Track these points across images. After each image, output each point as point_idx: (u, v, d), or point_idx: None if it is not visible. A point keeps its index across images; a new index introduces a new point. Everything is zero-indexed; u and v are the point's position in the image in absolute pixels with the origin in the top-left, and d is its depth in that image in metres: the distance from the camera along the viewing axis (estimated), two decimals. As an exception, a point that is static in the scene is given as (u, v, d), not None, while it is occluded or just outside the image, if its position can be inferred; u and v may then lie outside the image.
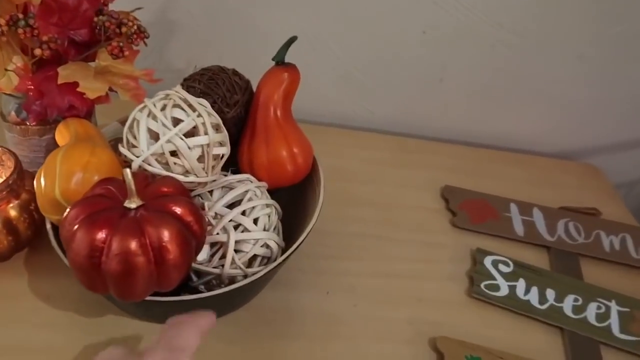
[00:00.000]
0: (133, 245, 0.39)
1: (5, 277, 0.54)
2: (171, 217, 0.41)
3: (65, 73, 0.53)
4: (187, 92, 0.54)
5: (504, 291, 0.62)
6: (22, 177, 0.54)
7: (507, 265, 0.66)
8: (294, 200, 0.60)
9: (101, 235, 0.39)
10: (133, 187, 0.41)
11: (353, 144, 0.86)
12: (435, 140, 0.91)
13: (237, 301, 0.53)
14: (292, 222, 0.57)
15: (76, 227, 0.40)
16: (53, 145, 0.59)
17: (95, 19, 0.55)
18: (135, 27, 0.56)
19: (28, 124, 0.58)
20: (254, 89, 0.58)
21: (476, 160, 0.86)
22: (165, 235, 0.40)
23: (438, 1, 0.78)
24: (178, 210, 0.42)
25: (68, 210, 0.41)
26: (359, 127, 0.92)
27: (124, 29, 0.55)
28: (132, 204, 0.41)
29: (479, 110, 0.90)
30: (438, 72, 0.86)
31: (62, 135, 0.54)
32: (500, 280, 0.63)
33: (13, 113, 0.58)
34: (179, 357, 0.34)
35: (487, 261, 0.66)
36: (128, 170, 0.41)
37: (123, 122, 0.62)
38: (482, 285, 0.62)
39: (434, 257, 0.67)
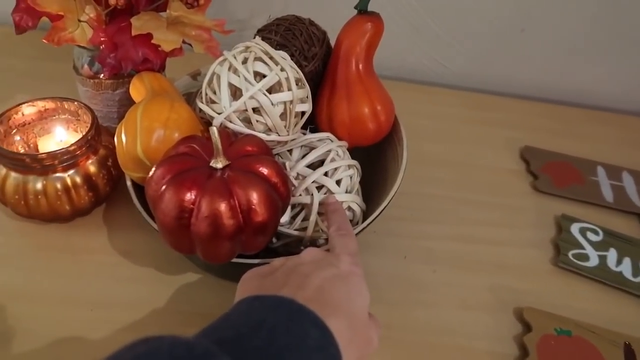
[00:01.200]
0: (222, 207, 0.37)
1: (87, 231, 0.54)
2: (258, 178, 0.40)
3: (139, 24, 0.51)
4: (263, 44, 0.51)
5: (593, 261, 0.58)
6: (99, 132, 0.53)
7: (596, 233, 0.61)
8: (371, 158, 0.57)
9: (190, 196, 0.37)
10: (220, 146, 0.39)
11: (425, 99, 0.81)
12: (514, 96, 0.84)
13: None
14: (368, 182, 0.54)
15: (164, 187, 0.38)
16: (126, 100, 0.58)
17: None
18: None
19: (101, 77, 0.57)
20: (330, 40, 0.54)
21: (559, 118, 0.80)
22: (254, 197, 0.38)
23: (527, -60, 0.70)
24: (264, 170, 0.40)
25: (154, 169, 0.40)
26: (430, 82, 0.86)
27: None
28: (219, 163, 0.40)
29: (564, 64, 0.82)
30: (520, 21, 0.79)
31: (136, 89, 0.53)
32: (589, 250, 0.59)
33: (86, 66, 0.57)
34: (358, 260, 0.39)
35: (574, 228, 0.61)
36: (215, 128, 0.39)
37: (193, 76, 0.60)
38: (569, 255, 0.58)
39: (514, 222, 0.63)
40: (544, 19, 0.78)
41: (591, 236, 0.61)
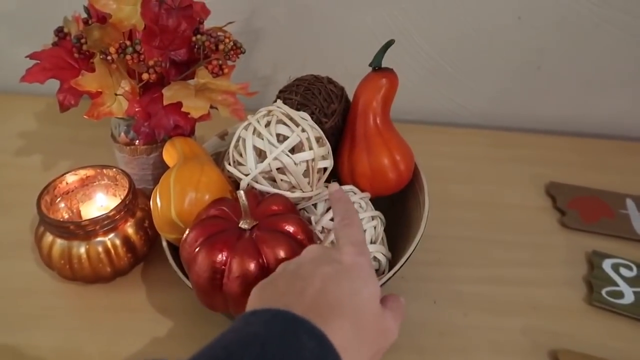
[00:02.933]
0: (252, 266, 0.39)
1: (126, 291, 0.57)
2: (284, 236, 0.42)
3: (169, 94, 0.55)
4: (284, 104, 0.54)
5: (628, 298, 0.57)
6: (135, 196, 0.56)
7: (630, 269, 0.60)
8: (394, 206, 0.58)
9: (221, 257, 0.40)
10: (247, 208, 0.41)
11: (446, 140, 0.82)
12: (535, 132, 0.85)
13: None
14: (393, 230, 0.55)
15: (197, 249, 0.41)
16: (160, 163, 0.62)
17: (194, 38, 0.56)
18: (231, 43, 0.56)
19: (137, 144, 0.61)
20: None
21: (583, 151, 0.80)
22: (281, 254, 0.40)
23: (534, -17, 0.73)
24: (290, 228, 0.42)
25: (187, 232, 0.43)
26: (449, 122, 0.88)
27: (221, 47, 0.56)
28: (247, 224, 0.42)
29: (583, 97, 0.83)
30: (535, 59, 0.80)
31: (169, 153, 0.56)
32: (623, 286, 0.58)
33: (123, 134, 0.61)
34: (364, 249, 0.38)
35: (606, 265, 0.61)
36: (242, 192, 0.41)
37: (221, 137, 0.63)
38: (603, 292, 0.57)
39: (544, 260, 0.63)
40: (558, 55, 0.79)
41: (625, 272, 0.60)
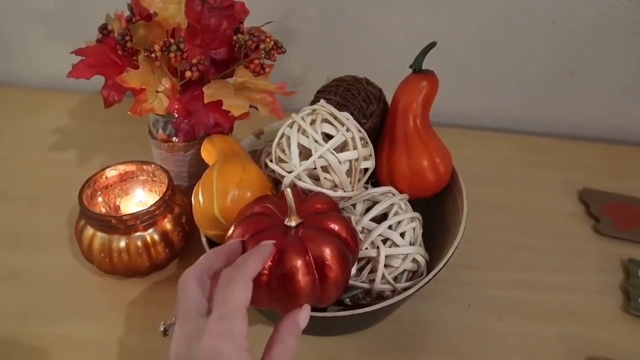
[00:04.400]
0: (299, 264, 0.39)
1: (163, 285, 0.58)
2: (330, 235, 0.42)
3: (210, 92, 0.55)
4: (323, 104, 0.54)
5: (667, 307, 0.56)
6: (174, 192, 0.57)
7: (667, 277, 0.60)
8: (431, 209, 0.58)
9: (268, 254, 0.40)
10: (294, 206, 0.42)
11: (476, 144, 0.82)
12: (566, 137, 0.84)
13: (382, 315, 0.53)
14: (429, 232, 0.55)
15: (244, 244, 0.41)
16: (196, 160, 0.62)
17: (235, 37, 0.57)
18: (272, 43, 0.57)
19: (174, 140, 0.61)
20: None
21: (616, 158, 0.79)
22: (327, 253, 0.40)
23: (572, -12, 0.72)
24: (335, 227, 0.42)
25: (232, 229, 0.43)
26: (479, 126, 0.88)
27: (262, 46, 0.56)
28: (292, 222, 0.42)
29: (616, 104, 0.82)
30: (569, 65, 0.80)
31: (207, 151, 0.57)
32: (661, 295, 0.57)
33: (161, 131, 0.62)
34: (234, 319, 0.33)
35: (643, 273, 0.60)
36: (289, 190, 0.41)
37: (257, 135, 0.64)
38: (640, 300, 0.57)
39: (579, 266, 0.62)
40: (592, 60, 0.79)
41: (662, 281, 0.59)
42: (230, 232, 0.43)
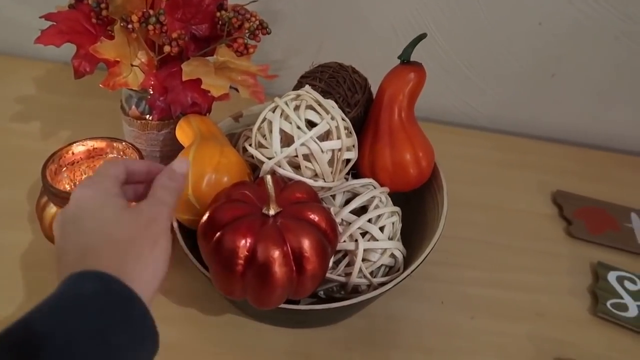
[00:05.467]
0: (277, 254, 0.38)
1: (129, 270, 0.55)
2: (310, 226, 0.40)
3: (189, 69, 0.52)
4: (306, 90, 0.52)
5: (633, 311, 0.57)
6: (145, 172, 0.54)
7: (634, 282, 0.61)
8: (410, 203, 0.57)
9: (244, 243, 0.38)
10: (273, 194, 0.40)
11: (454, 141, 0.82)
12: (544, 139, 0.85)
13: (356, 309, 0.52)
14: (406, 226, 0.54)
15: (218, 234, 0.39)
16: (170, 140, 0.60)
17: (218, 14, 0.54)
18: (257, 22, 0.55)
19: (148, 118, 0.59)
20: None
21: (590, 162, 0.81)
22: (306, 244, 0.39)
23: (559, -10, 0.72)
24: (315, 217, 0.41)
25: (208, 214, 0.41)
26: (460, 123, 0.87)
27: (246, 25, 0.54)
28: (271, 210, 0.41)
29: (595, 108, 0.83)
30: (551, 67, 0.80)
31: (183, 131, 0.54)
32: (627, 299, 0.58)
33: (134, 107, 0.59)
34: (103, 176, 0.36)
35: (611, 277, 0.61)
36: (269, 177, 0.40)
37: (235, 118, 0.61)
38: (608, 304, 0.58)
39: (550, 268, 0.63)
40: (574, 63, 0.79)
41: (629, 285, 0.60)
42: (204, 218, 0.41)
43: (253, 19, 0.54)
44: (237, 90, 0.56)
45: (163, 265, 0.34)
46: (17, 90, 0.78)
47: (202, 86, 0.52)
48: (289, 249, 0.38)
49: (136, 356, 0.30)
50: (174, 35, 0.50)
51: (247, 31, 0.54)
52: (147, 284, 0.32)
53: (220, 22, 0.54)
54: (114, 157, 0.57)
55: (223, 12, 0.54)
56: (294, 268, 0.39)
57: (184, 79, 0.52)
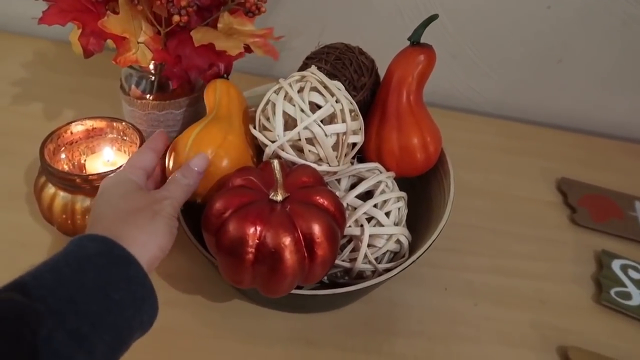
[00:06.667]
0: (288, 241, 0.37)
1: (129, 252, 0.54)
2: (319, 210, 0.39)
3: (199, 36, 0.51)
4: (312, 71, 0.51)
5: (636, 300, 0.57)
6: (146, 153, 0.53)
7: (638, 271, 0.60)
8: (415, 189, 0.57)
9: (253, 230, 0.37)
10: (281, 179, 0.39)
11: (458, 126, 0.81)
12: (548, 126, 0.84)
13: (360, 295, 0.51)
14: (412, 212, 0.53)
15: (225, 221, 0.38)
16: (171, 120, 0.59)
17: None
18: None
19: (148, 98, 0.57)
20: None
21: (594, 150, 0.80)
22: (317, 229, 0.38)
23: (570, -27, 0.70)
24: (324, 202, 0.40)
25: (212, 201, 0.40)
26: (464, 108, 0.86)
27: None
28: (279, 196, 0.40)
29: (600, 95, 0.82)
30: (558, 52, 0.79)
31: (207, 97, 0.52)
32: (631, 288, 0.58)
33: (134, 87, 0.57)
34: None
35: (615, 265, 0.61)
36: (276, 162, 0.39)
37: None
38: (611, 292, 0.57)
39: (554, 255, 0.62)
40: (581, 49, 0.78)
41: (633, 274, 0.60)
42: (209, 205, 0.40)
43: None
44: (250, 51, 0.54)
45: (163, 236, 0.37)
46: (16, 68, 0.76)
47: (217, 48, 0.50)
48: (300, 234, 0.38)
49: (136, 316, 0.33)
50: (183, 3, 0.49)
51: None
52: (143, 249, 0.35)
53: None
54: (114, 138, 0.56)
55: None
56: (306, 254, 0.38)
57: (196, 45, 0.50)
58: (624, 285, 0.58)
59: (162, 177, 0.47)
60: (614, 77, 0.80)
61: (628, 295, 0.57)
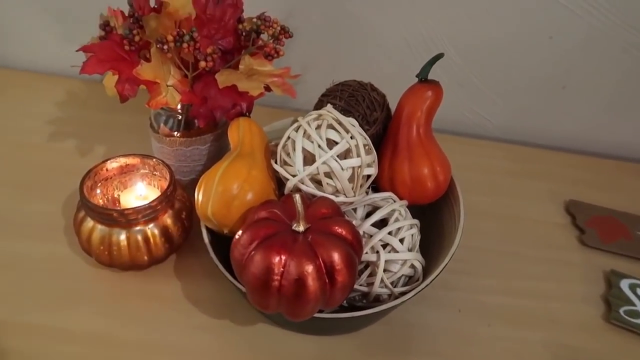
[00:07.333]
0: (310, 269, 0.40)
1: (161, 279, 0.58)
2: (338, 239, 0.43)
3: (223, 78, 0.55)
4: (326, 108, 0.55)
5: (645, 318, 0.59)
6: (175, 188, 0.57)
7: (646, 290, 0.62)
8: (426, 215, 0.60)
9: (278, 259, 0.41)
10: (303, 212, 0.43)
11: (466, 151, 0.84)
12: (554, 149, 0.87)
13: (378, 317, 0.54)
14: (423, 237, 0.56)
15: (252, 252, 0.42)
16: (197, 155, 0.63)
17: (240, 26, 0.57)
18: (279, 27, 0.57)
19: (176, 135, 0.62)
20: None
21: (602, 172, 0.82)
22: (337, 257, 0.41)
23: (569, 4, 0.74)
24: (342, 231, 0.44)
25: (240, 233, 0.44)
26: (472, 134, 0.90)
27: (270, 31, 0.57)
28: (301, 227, 0.43)
29: (604, 118, 0.85)
30: (561, 79, 0.82)
31: (232, 134, 0.57)
32: (640, 307, 0.60)
33: (163, 125, 0.62)
34: None
35: (624, 285, 0.63)
36: (298, 196, 0.42)
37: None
38: (621, 311, 0.59)
39: (564, 276, 0.65)
40: (585, 76, 0.81)
41: (641, 293, 0.62)
42: (237, 236, 0.44)
43: (275, 24, 0.57)
44: (269, 90, 0.58)
45: None
46: (50, 108, 0.82)
47: (239, 89, 0.55)
48: (322, 262, 0.41)
49: None
50: (209, 50, 0.53)
51: (270, 37, 0.57)
52: None
53: (243, 33, 0.57)
54: (145, 173, 0.61)
55: (253, 19, 0.57)
56: (327, 280, 0.41)
57: (220, 87, 0.54)
58: (633, 304, 0.60)
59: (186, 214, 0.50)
60: (617, 100, 0.83)
61: (637, 314, 0.59)
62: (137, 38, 0.54)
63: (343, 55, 0.84)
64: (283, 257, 0.40)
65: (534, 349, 0.56)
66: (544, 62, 0.81)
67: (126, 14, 0.58)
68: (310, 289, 0.40)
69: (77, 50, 0.54)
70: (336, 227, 0.44)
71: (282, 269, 0.40)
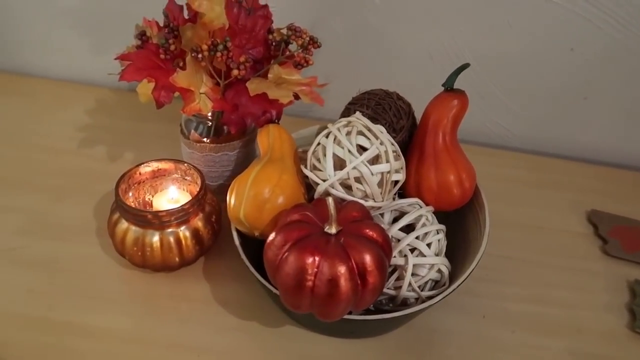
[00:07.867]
0: (343, 270, 0.41)
1: (191, 281, 0.59)
2: (370, 242, 0.44)
3: (253, 86, 0.57)
4: (354, 116, 0.56)
5: (670, 328, 0.59)
6: (206, 192, 0.59)
7: (671, 300, 0.62)
8: (450, 221, 0.60)
9: (312, 260, 0.42)
10: (335, 214, 0.44)
11: (488, 162, 0.84)
12: (576, 159, 0.88)
13: (404, 321, 0.55)
14: (449, 244, 0.57)
15: (286, 253, 0.43)
16: (226, 161, 0.65)
17: (271, 36, 0.59)
18: (308, 37, 0.59)
19: (206, 141, 0.63)
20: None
21: (623, 182, 0.83)
22: (368, 259, 0.42)
23: (591, 17, 0.75)
24: (373, 234, 0.45)
25: (273, 235, 0.45)
26: (493, 144, 0.90)
27: (299, 41, 0.58)
28: (333, 229, 0.44)
29: (626, 129, 0.85)
30: (583, 90, 0.83)
31: (262, 140, 0.58)
32: (665, 316, 0.60)
33: (193, 131, 0.64)
34: None
35: (648, 294, 0.63)
36: (331, 199, 0.44)
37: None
38: (646, 320, 0.59)
39: (587, 285, 0.65)
40: (606, 87, 0.82)
41: (666, 303, 0.62)
42: (270, 238, 0.45)
43: (304, 35, 0.59)
44: (297, 98, 0.60)
45: None
46: (80, 115, 0.84)
47: (269, 97, 0.57)
48: (354, 264, 0.42)
49: None
50: (242, 59, 0.55)
51: (300, 47, 0.58)
52: None
53: (273, 43, 0.59)
54: (177, 178, 0.62)
55: (282, 30, 0.59)
56: (359, 282, 0.43)
57: (251, 94, 0.56)
58: (658, 314, 0.60)
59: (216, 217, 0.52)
60: (638, 111, 0.84)
61: (662, 324, 0.59)
62: (172, 47, 0.56)
63: (365, 66, 0.86)
64: (316, 258, 0.42)
65: (559, 356, 0.56)
66: (565, 74, 0.81)
67: (161, 25, 0.60)
68: (343, 289, 0.41)
69: (115, 59, 0.56)
70: (367, 230, 0.45)
71: (315, 270, 0.41)
